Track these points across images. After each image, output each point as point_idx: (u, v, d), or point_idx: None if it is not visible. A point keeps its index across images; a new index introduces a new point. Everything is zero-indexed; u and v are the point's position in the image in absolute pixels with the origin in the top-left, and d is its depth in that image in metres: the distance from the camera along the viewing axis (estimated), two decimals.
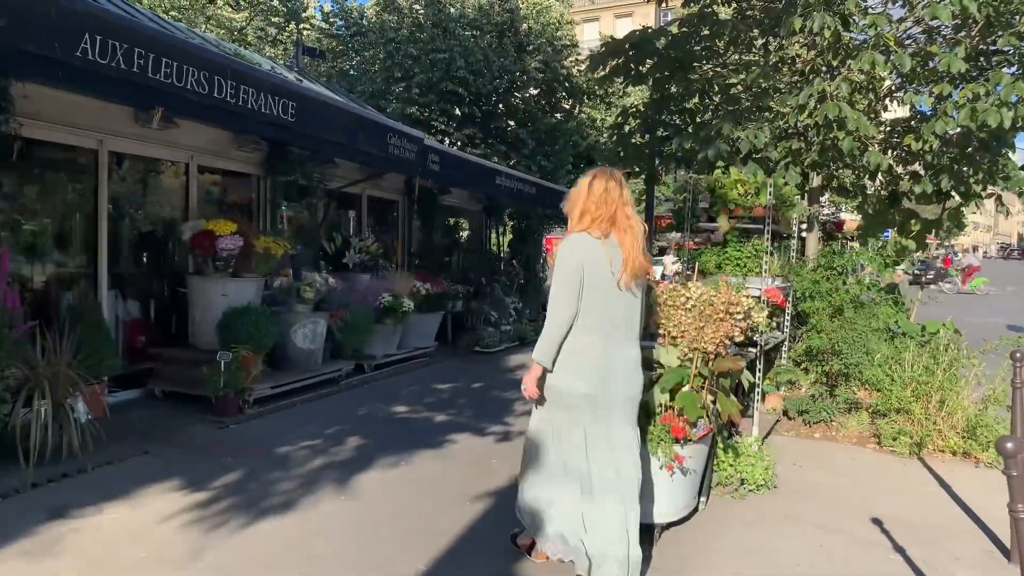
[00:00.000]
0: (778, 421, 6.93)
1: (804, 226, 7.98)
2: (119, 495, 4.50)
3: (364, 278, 8.95)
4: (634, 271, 3.50)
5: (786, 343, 7.31)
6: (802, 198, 8.00)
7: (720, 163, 7.16)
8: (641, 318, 3.71)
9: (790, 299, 7.13)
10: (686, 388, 4.27)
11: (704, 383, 4.30)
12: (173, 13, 20.92)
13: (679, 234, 6.41)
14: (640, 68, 8.21)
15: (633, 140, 8.68)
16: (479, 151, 20.96)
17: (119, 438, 5.60)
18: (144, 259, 7.60)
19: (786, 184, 7.02)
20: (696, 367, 4.26)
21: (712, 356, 4.29)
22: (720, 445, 5.07)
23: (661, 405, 4.23)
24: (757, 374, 6.11)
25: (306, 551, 3.86)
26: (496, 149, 20.98)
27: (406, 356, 9.39)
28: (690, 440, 4.17)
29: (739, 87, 8.22)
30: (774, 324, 6.62)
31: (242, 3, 23.73)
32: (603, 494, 3.51)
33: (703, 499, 4.71)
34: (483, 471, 5.32)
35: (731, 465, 5.07)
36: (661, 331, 4.39)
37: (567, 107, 22.28)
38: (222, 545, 3.87)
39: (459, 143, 20.86)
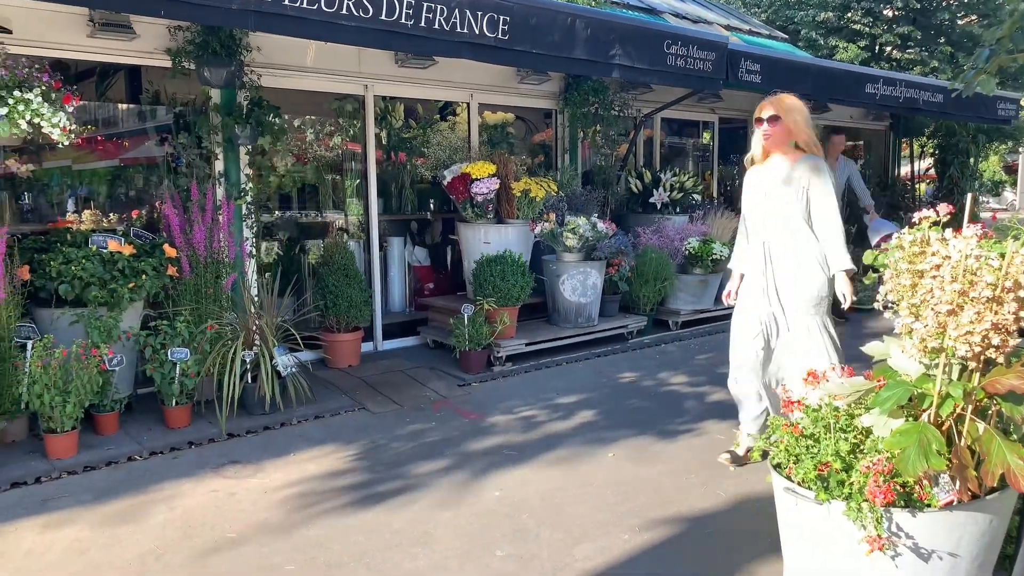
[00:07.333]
0: None
1: None
2: (292, 452, 4.40)
3: (676, 220, 7.70)
4: None
5: None
6: None
7: None
8: None
9: None
10: (925, 417, 2.46)
11: (959, 409, 2.42)
12: None
13: None
14: None
15: None
16: (911, 55, 17.10)
17: (351, 389, 5.58)
18: (426, 205, 7.53)
19: None
20: (942, 380, 2.41)
21: (979, 363, 2.38)
22: None
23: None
24: None
25: (387, 559, 3.20)
26: (939, 51, 16.88)
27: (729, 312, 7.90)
28: (926, 505, 2.40)
29: None
30: None
31: None
32: None
33: None
34: (702, 481, 4.01)
35: None
36: (897, 310, 2.60)
37: None
38: (309, 530, 3.42)
39: (887, 47, 17.29)
